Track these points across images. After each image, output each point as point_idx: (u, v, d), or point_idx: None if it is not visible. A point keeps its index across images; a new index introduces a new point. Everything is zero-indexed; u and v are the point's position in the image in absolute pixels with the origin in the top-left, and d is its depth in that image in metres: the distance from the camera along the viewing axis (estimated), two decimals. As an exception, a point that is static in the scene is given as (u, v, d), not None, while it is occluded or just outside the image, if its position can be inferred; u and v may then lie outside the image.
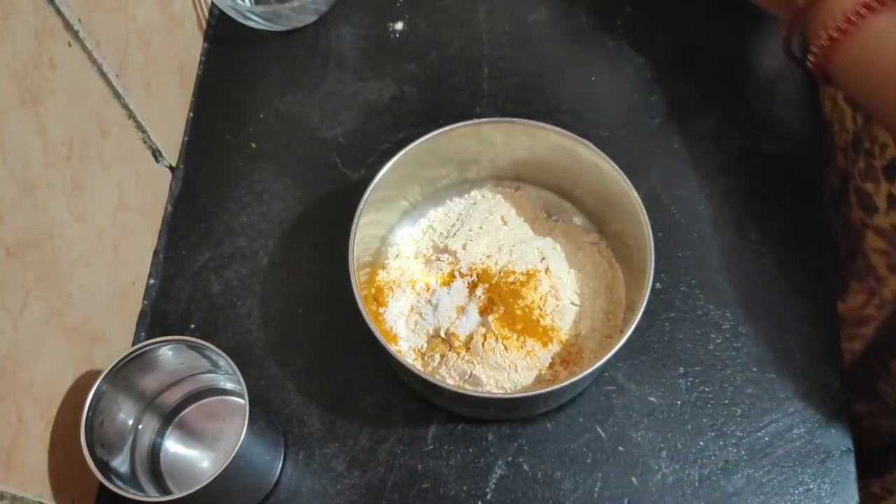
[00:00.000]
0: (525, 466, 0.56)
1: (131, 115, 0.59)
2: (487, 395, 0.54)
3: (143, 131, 0.61)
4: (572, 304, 0.57)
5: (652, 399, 0.58)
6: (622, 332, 0.51)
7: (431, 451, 0.56)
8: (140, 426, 0.55)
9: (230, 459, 0.46)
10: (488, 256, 0.58)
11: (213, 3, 0.73)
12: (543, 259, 0.57)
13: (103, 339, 0.55)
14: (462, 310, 0.57)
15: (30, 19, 0.46)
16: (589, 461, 0.56)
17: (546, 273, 0.57)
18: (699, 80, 0.70)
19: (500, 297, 0.56)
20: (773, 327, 0.60)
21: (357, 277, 0.51)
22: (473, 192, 0.63)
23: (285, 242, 0.64)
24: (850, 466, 0.55)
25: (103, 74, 0.55)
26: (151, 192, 0.64)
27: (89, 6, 0.52)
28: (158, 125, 0.63)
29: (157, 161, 0.64)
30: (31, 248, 0.47)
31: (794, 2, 0.51)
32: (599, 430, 0.57)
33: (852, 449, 0.56)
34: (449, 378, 0.55)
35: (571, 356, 0.55)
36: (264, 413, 0.53)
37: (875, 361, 0.68)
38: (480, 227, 0.59)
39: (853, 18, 0.48)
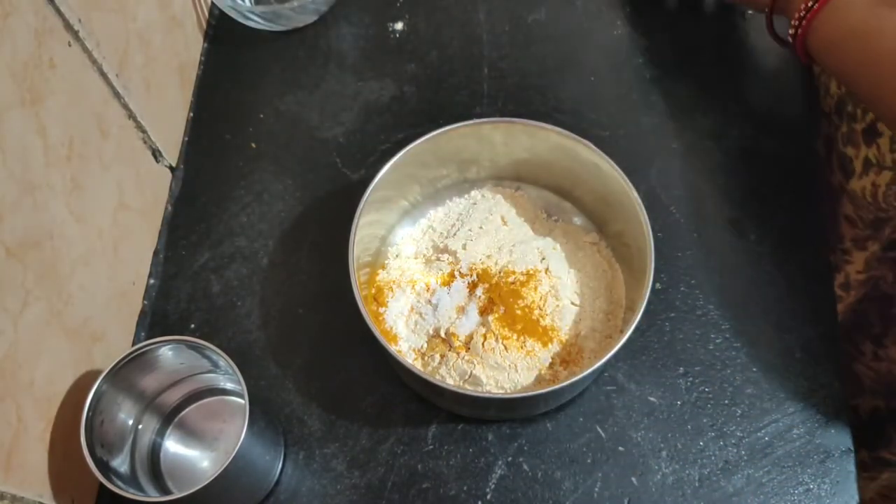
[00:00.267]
0: (525, 466, 0.56)
1: (131, 115, 0.59)
2: (487, 395, 0.54)
3: (143, 131, 0.61)
4: (572, 304, 0.57)
5: (652, 399, 0.58)
6: (622, 332, 0.51)
7: (431, 451, 0.56)
8: (140, 426, 0.55)
9: (230, 459, 0.46)
10: (488, 256, 0.58)
11: (213, 3, 0.73)
12: (543, 259, 0.57)
13: (103, 339, 0.55)
14: (462, 310, 0.57)
15: (30, 19, 0.46)
16: (589, 461, 0.56)
17: (546, 273, 0.57)
18: (699, 80, 0.70)
19: (500, 297, 0.56)
20: (773, 327, 0.60)
21: (357, 277, 0.51)
22: (473, 192, 0.63)
23: (285, 242, 0.64)
24: (850, 466, 0.55)
25: (103, 74, 0.55)
26: (151, 192, 0.64)
27: (89, 6, 0.52)
28: (158, 125, 0.63)
29: (157, 161, 0.64)
30: (31, 248, 0.47)
31: None
32: (599, 430, 0.57)
33: (852, 449, 0.56)
34: (449, 378, 0.55)
35: (571, 356, 0.55)
36: (264, 413, 0.53)
37: (848, 344, 0.69)
38: (480, 227, 0.59)
39: None
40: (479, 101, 0.69)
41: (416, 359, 0.57)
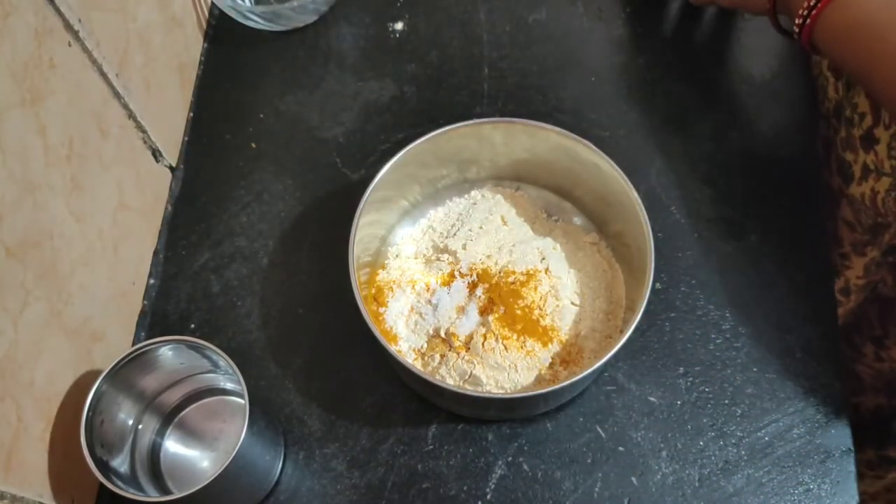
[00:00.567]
0: (525, 466, 0.56)
1: (131, 115, 0.59)
2: (487, 395, 0.54)
3: (143, 131, 0.61)
4: (572, 304, 0.57)
5: (652, 399, 0.58)
6: (622, 332, 0.51)
7: (431, 451, 0.56)
8: (140, 426, 0.55)
9: (230, 459, 0.46)
10: (488, 256, 0.58)
11: (213, 3, 0.73)
12: (543, 259, 0.57)
13: (103, 339, 0.55)
14: (462, 310, 0.57)
15: (30, 19, 0.46)
16: (589, 461, 0.56)
17: (546, 273, 0.57)
18: (699, 80, 0.70)
19: (500, 297, 0.56)
20: (773, 327, 0.60)
21: (357, 277, 0.51)
22: (473, 192, 0.63)
23: (285, 242, 0.64)
24: (850, 466, 0.55)
25: (103, 74, 0.55)
26: (151, 192, 0.64)
27: (89, 6, 0.52)
28: (158, 125, 0.63)
29: (157, 161, 0.64)
30: (31, 248, 0.47)
31: None
32: (599, 430, 0.57)
33: (852, 449, 0.56)
34: (449, 378, 0.55)
35: (571, 356, 0.55)
36: (264, 413, 0.53)
37: (848, 346, 0.69)
38: (480, 227, 0.59)
39: None
40: (479, 101, 0.69)
41: (416, 359, 0.57)
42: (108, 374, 0.49)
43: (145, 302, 0.62)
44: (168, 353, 0.52)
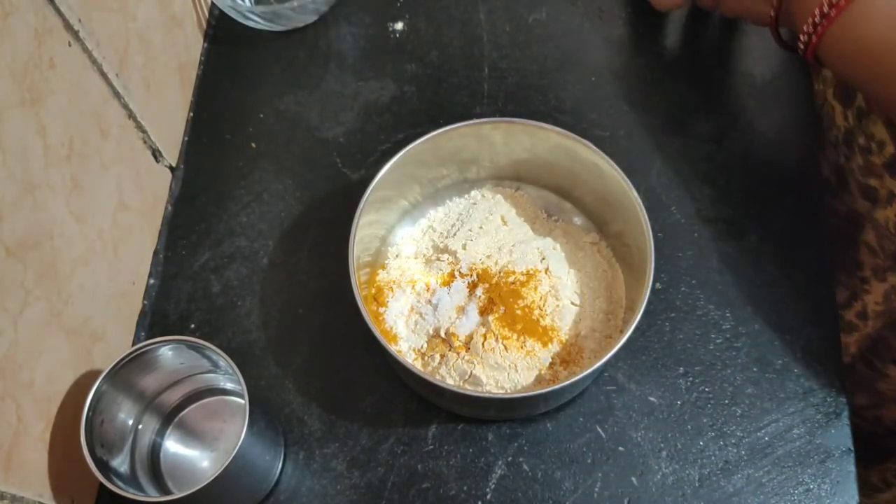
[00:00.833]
0: (525, 466, 0.56)
1: (131, 115, 0.59)
2: (487, 395, 0.54)
3: (143, 131, 0.61)
4: (572, 304, 0.57)
5: (652, 399, 0.58)
6: (622, 332, 0.51)
7: (431, 451, 0.56)
8: (140, 426, 0.55)
9: (230, 459, 0.46)
10: (488, 256, 0.58)
11: (213, 3, 0.73)
12: (543, 259, 0.57)
13: (103, 339, 0.55)
14: (462, 310, 0.57)
15: (30, 19, 0.46)
16: (589, 461, 0.56)
17: (546, 273, 0.57)
18: (700, 80, 0.70)
19: (500, 297, 0.56)
20: (773, 327, 0.60)
21: (357, 277, 0.51)
22: (473, 192, 0.63)
23: (285, 242, 0.64)
24: (850, 466, 0.55)
25: (103, 74, 0.55)
26: (151, 192, 0.64)
27: (89, 6, 0.52)
28: (158, 125, 0.63)
29: (157, 161, 0.64)
30: (31, 248, 0.47)
31: None
32: (599, 430, 0.57)
33: (852, 449, 0.56)
34: (449, 378, 0.55)
35: (571, 356, 0.55)
36: (264, 413, 0.53)
37: (868, 368, 0.68)
38: (480, 227, 0.59)
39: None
40: (479, 101, 0.69)
41: (416, 359, 0.57)
42: (108, 374, 0.49)
43: (145, 302, 0.62)
44: (168, 353, 0.52)
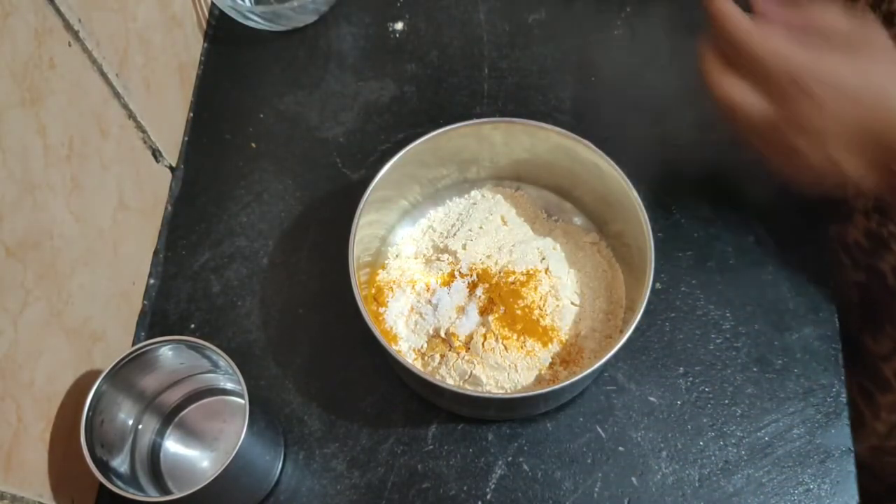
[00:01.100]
0: (525, 466, 0.56)
1: (131, 115, 0.59)
2: (487, 395, 0.54)
3: (143, 131, 0.61)
4: (572, 304, 0.57)
5: (652, 399, 0.58)
6: (622, 332, 0.51)
7: (431, 451, 0.56)
8: (140, 426, 0.55)
9: (230, 459, 0.46)
10: (488, 256, 0.58)
11: (213, 3, 0.73)
12: (543, 259, 0.57)
13: (103, 339, 0.55)
14: (462, 310, 0.57)
15: (30, 19, 0.46)
16: (589, 461, 0.56)
17: (546, 273, 0.57)
18: (700, 80, 0.70)
19: (500, 297, 0.56)
20: (773, 327, 0.60)
21: (357, 277, 0.51)
22: (473, 192, 0.63)
23: (285, 242, 0.64)
24: (850, 466, 0.55)
25: (103, 74, 0.55)
26: (151, 192, 0.64)
27: (89, 6, 0.52)
28: (158, 125, 0.63)
29: (157, 161, 0.64)
30: (31, 248, 0.47)
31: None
32: (599, 430, 0.57)
33: (852, 449, 0.56)
34: (449, 378, 0.55)
35: (571, 356, 0.55)
36: (264, 413, 0.53)
37: None
38: (480, 227, 0.59)
39: None
40: (479, 101, 0.69)
41: (416, 359, 0.57)
42: (108, 374, 0.49)
43: (145, 302, 0.62)
44: (168, 353, 0.52)
